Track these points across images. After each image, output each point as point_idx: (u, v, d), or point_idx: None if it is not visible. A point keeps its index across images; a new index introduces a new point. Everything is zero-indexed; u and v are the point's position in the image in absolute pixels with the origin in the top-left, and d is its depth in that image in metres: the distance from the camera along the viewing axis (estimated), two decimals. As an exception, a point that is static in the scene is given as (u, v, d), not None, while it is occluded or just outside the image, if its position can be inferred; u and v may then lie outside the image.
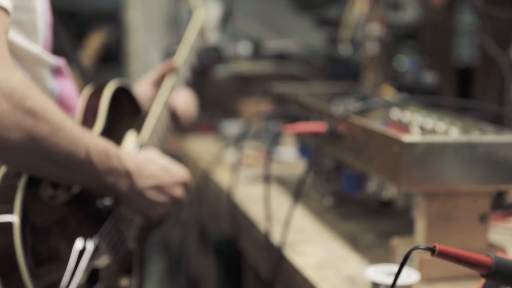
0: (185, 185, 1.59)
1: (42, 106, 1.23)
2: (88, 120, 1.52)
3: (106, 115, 1.54)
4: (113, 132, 1.53)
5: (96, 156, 1.34)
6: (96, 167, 1.35)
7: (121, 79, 1.67)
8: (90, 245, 1.38)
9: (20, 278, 1.19)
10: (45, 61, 1.46)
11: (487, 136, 1.46)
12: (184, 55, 1.94)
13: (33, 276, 1.20)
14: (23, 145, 1.20)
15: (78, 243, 1.35)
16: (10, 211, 1.21)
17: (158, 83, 1.91)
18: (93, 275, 1.37)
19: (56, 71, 1.51)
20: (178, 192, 1.57)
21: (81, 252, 1.35)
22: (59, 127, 1.25)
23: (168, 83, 1.86)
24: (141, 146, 1.65)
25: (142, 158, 1.52)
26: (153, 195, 1.51)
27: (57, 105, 1.28)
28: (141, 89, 1.89)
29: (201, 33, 2.10)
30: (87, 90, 1.59)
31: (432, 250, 1.02)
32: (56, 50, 1.55)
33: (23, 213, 1.23)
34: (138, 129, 1.69)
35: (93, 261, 1.38)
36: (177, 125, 1.93)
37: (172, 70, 1.90)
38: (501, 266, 1.03)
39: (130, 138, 1.63)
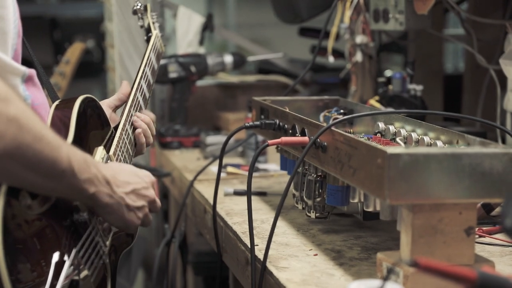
0: (153, 185, 1.60)
1: (24, 113, 1.21)
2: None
3: (75, 130, 1.53)
4: (82, 147, 1.52)
5: (77, 165, 1.33)
6: (77, 176, 1.33)
7: (93, 90, 1.66)
8: (69, 258, 1.36)
9: None
10: (16, 70, 1.44)
11: (472, 147, 1.44)
12: (142, 75, 1.98)
13: None
14: (7, 153, 1.18)
15: (57, 257, 1.33)
16: None
17: (118, 105, 1.92)
18: None
19: (28, 81, 1.48)
20: (151, 193, 1.58)
21: (61, 265, 1.33)
22: (42, 134, 1.24)
23: (130, 100, 1.89)
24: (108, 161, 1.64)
25: (114, 166, 1.53)
26: (132, 201, 1.51)
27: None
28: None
29: (158, 55, 2.13)
30: (55, 105, 1.58)
31: (415, 265, 1.00)
32: (27, 61, 1.53)
33: (4, 228, 1.20)
34: (106, 145, 1.69)
35: (72, 275, 1.36)
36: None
37: (127, 90, 1.91)
38: (486, 281, 1.00)
39: (99, 154, 1.62)
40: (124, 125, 1.79)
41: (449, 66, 3.91)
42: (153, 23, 2.16)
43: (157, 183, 1.64)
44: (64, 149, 1.30)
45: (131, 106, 1.87)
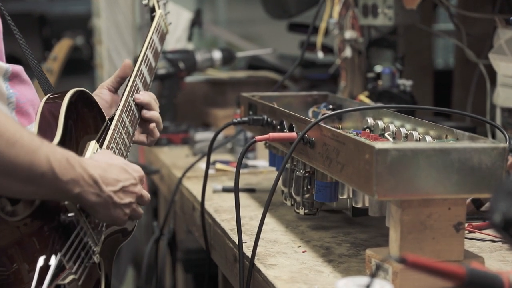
0: (142, 180, 1.55)
1: None
2: (46, 130, 1.46)
3: (64, 125, 1.48)
4: (73, 142, 1.48)
5: (58, 166, 1.28)
6: (59, 178, 1.29)
7: (83, 87, 1.60)
8: (54, 261, 1.33)
9: None
10: None
11: (461, 142, 1.42)
12: (142, 58, 1.86)
13: None
14: None
15: (42, 260, 1.30)
16: None
17: (116, 87, 1.82)
18: None
19: (13, 78, 1.46)
20: (139, 188, 1.52)
21: (45, 269, 1.30)
22: (16, 138, 1.21)
23: (128, 87, 1.78)
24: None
25: (103, 163, 1.47)
26: (119, 198, 1.46)
27: (12, 115, 1.24)
28: (102, 93, 1.81)
29: (162, 36, 2.02)
30: (45, 99, 1.53)
31: (403, 261, 0.99)
32: (16, 58, 1.50)
33: None
34: (100, 138, 1.63)
35: (58, 278, 1.33)
36: (146, 132, 1.85)
37: (127, 72, 1.81)
38: (475, 278, 0.99)
39: (91, 148, 1.56)
40: (120, 115, 1.70)
41: (439, 61, 3.90)
42: (158, 1, 2.04)
43: (146, 179, 1.58)
44: (43, 151, 1.26)
45: (128, 94, 1.76)
